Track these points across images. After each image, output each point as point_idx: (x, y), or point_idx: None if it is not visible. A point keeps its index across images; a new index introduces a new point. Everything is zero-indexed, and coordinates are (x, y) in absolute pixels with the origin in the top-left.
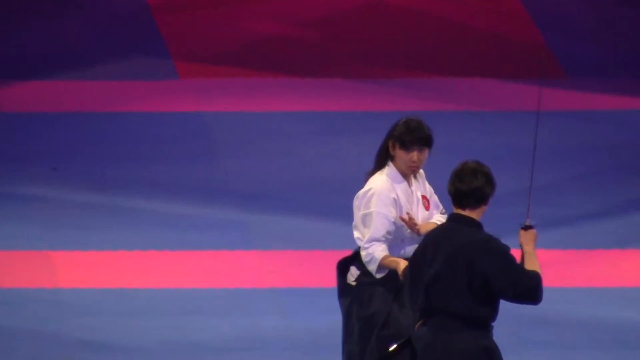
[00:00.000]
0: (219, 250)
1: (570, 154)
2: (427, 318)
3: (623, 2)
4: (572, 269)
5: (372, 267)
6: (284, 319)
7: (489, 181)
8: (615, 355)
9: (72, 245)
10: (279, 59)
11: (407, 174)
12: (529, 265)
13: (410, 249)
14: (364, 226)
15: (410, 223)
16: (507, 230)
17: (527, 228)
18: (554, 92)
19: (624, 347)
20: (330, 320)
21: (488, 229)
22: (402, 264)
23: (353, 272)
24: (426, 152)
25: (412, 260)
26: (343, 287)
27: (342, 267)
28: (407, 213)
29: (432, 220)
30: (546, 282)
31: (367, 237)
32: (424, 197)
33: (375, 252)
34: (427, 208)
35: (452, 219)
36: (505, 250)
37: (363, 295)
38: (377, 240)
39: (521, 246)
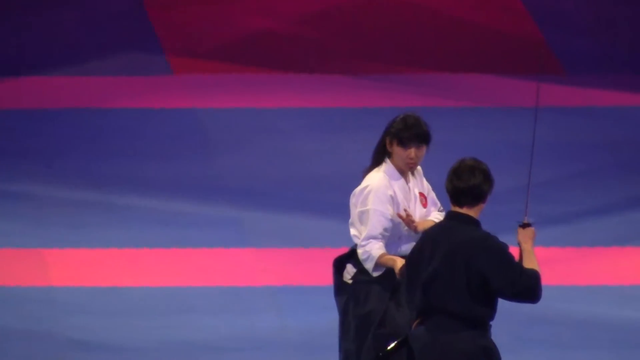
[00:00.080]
0: (214, 247)
1: (569, 151)
2: (424, 317)
3: None
4: (571, 267)
5: (368, 265)
6: (279, 317)
7: (487, 178)
8: (615, 354)
9: (65, 243)
10: (275, 55)
11: (405, 170)
12: (528, 264)
13: (407, 247)
14: (360, 224)
15: (408, 220)
16: (505, 227)
17: (525, 226)
18: (553, 88)
19: (623, 346)
20: (326, 319)
21: (486, 226)
22: (399, 263)
23: (349, 270)
24: (424, 149)
25: (410, 258)
26: (339, 285)
27: (339, 265)
28: (405, 210)
29: (430, 218)
30: (544, 280)
31: (363, 235)
32: (421, 194)
33: (372, 250)
34: (424, 205)
35: (450, 217)
36: (503, 248)
37: (359, 293)
38: (374, 238)
39: (519, 244)
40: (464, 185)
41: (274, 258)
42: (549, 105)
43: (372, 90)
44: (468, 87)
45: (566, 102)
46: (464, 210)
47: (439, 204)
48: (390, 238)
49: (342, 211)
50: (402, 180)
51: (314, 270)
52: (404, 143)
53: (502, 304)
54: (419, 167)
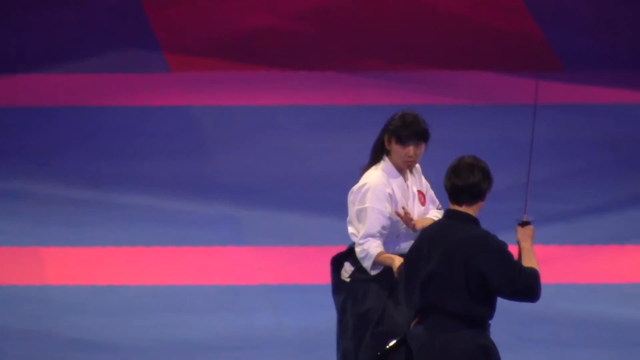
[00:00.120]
0: (211, 246)
1: (568, 148)
2: (423, 316)
3: None
4: (570, 265)
5: (366, 264)
6: (276, 316)
7: (486, 176)
8: (614, 353)
9: (62, 241)
10: (272, 52)
11: (403, 168)
12: (527, 262)
13: (405, 245)
14: (358, 222)
15: (406, 218)
16: (504, 226)
17: (524, 224)
18: (552, 85)
19: (623, 345)
20: (323, 317)
21: (485, 224)
22: (397, 261)
23: (347, 268)
24: (422, 147)
25: (408, 257)
26: (337, 283)
27: (336, 263)
28: (403, 208)
29: (428, 216)
30: (544, 279)
31: (361, 233)
32: (420, 192)
33: (370, 249)
34: (423, 203)
35: (448, 215)
36: (502, 247)
37: (357, 292)
38: (372, 236)
39: (518, 243)
40: (463, 183)
41: (271, 256)
42: (548, 103)
43: (371, 87)
44: (467, 84)
45: (565, 100)
46: (463, 209)
47: (437, 202)
48: (389, 236)
49: (340, 209)
50: (400, 178)
51: (312, 268)
52: (402, 141)
53: (501, 303)
54: (417, 165)
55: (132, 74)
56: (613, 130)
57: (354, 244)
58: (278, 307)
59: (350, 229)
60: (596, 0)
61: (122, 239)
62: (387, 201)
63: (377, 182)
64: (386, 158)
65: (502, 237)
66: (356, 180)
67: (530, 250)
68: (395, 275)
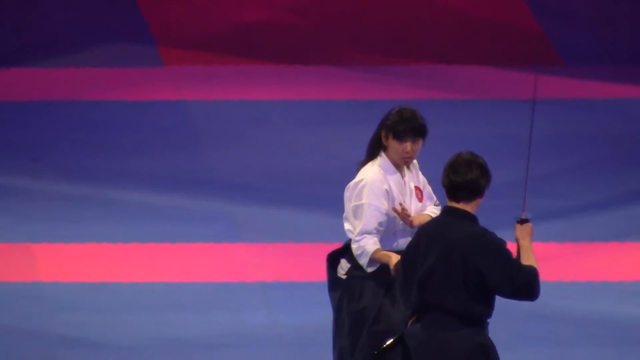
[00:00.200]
0: (205, 243)
1: (567, 144)
2: (420, 314)
3: None
4: (570, 263)
5: (363, 261)
6: (271, 313)
7: (484, 173)
8: (614, 352)
9: (54, 237)
10: (267, 46)
11: (400, 164)
12: (526, 260)
13: (403, 242)
14: (355, 218)
15: (403, 214)
16: (502, 222)
17: (523, 222)
18: (551, 80)
19: (622, 343)
20: (318, 315)
21: (483, 221)
22: (394, 259)
23: (343, 265)
24: (420, 143)
25: (405, 254)
26: (333, 280)
27: (333, 260)
28: (400, 204)
29: (426, 212)
30: (543, 277)
31: (358, 230)
32: (417, 188)
33: (366, 246)
34: (420, 199)
35: (446, 212)
36: (501, 244)
37: (354, 289)
38: (369, 233)
39: (517, 240)
40: (461, 179)
41: (266, 253)
42: (547, 98)
43: (365, 82)
44: (465, 79)
45: (564, 95)
46: (461, 206)
47: (435, 198)
48: (386, 233)
49: (335, 205)
50: (397, 174)
51: (307, 265)
52: (399, 137)
53: (499, 301)
54: (414, 161)
55: (126, 68)
56: (612, 126)
57: (350, 240)
58: (273, 304)
59: (347, 226)
60: None
61: (115, 235)
62: (384, 197)
63: (373, 178)
64: (383, 154)
65: (500, 234)
66: (353, 176)
67: (529, 248)
68: (392, 272)
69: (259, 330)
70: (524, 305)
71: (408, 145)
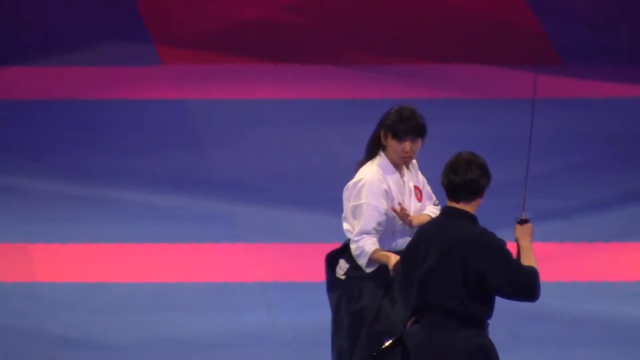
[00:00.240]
0: (203, 243)
1: (567, 143)
2: (419, 315)
3: None
4: (570, 263)
5: (362, 262)
6: (270, 314)
7: (484, 173)
8: (615, 353)
9: (51, 237)
10: (266, 45)
11: (399, 164)
12: (526, 261)
13: (401, 242)
14: (353, 218)
15: (402, 214)
16: (502, 222)
17: (523, 222)
18: (550, 79)
19: (623, 344)
20: (317, 316)
21: (483, 221)
22: (393, 259)
23: (342, 266)
24: (419, 142)
25: (405, 254)
26: (332, 280)
27: (331, 260)
28: (399, 204)
29: (425, 212)
30: (543, 277)
31: (357, 230)
32: (416, 187)
33: (365, 246)
34: (419, 199)
35: (446, 212)
36: (501, 245)
37: (352, 290)
38: (368, 233)
39: (517, 241)
40: (461, 179)
41: (265, 253)
42: (547, 97)
43: (364, 81)
44: (465, 78)
45: (564, 94)
46: (461, 206)
47: (434, 198)
48: (385, 233)
49: (334, 205)
50: (396, 174)
51: (306, 266)
52: (399, 136)
53: (499, 301)
54: (414, 161)
55: (123, 67)
56: (613, 125)
57: (349, 240)
58: (272, 304)
59: (346, 226)
60: None
61: (113, 235)
62: (383, 197)
63: (372, 177)
64: (382, 153)
65: (500, 234)
66: (351, 175)
67: (530, 248)
68: (391, 273)
69: (258, 330)
70: (524, 305)
71: (407, 145)
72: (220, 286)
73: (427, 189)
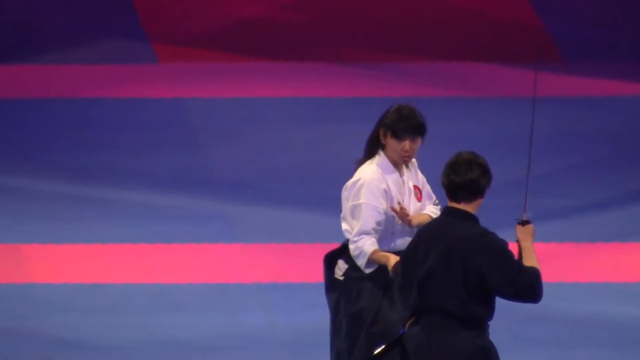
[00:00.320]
0: (200, 243)
1: (568, 142)
2: (419, 316)
3: None
4: (571, 263)
5: (361, 262)
6: (267, 315)
7: (485, 173)
8: (616, 354)
9: (45, 238)
10: (263, 42)
11: (399, 163)
12: (527, 261)
13: (400, 242)
14: (352, 218)
15: (402, 214)
16: (503, 222)
17: (524, 223)
18: (551, 77)
19: (624, 344)
20: (316, 317)
21: (484, 221)
22: (393, 259)
23: (341, 266)
24: (419, 141)
25: (405, 255)
26: (330, 281)
27: (330, 261)
28: (399, 203)
29: (425, 212)
30: (544, 277)
31: (355, 230)
32: (416, 187)
33: (364, 246)
34: (419, 199)
35: (447, 212)
36: (502, 245)
37: (351, 291)
38: (367, 233)
39: (518, 242)
40: (461, 179)
41: (262, 254)
42: (548, 95)
43: (363, 79)
44: (465, 76)
45: (565, 92)
46: (461, 206)
47: (434, 197)
48: (384, 233)
49: (333, 205)
50: (396, 173)
51: (304, 266)
52: (398, 135)
53: (499, 302)
54: (413, 160)
55: (119, 65)
56: (614, 123)
57: (347, 240)
58: (270, 305)
59: (344, 226)
60: None
61: (109, 236)
62: (382, 197)
63: (371, 177)
64: (381, 152)
65: (501, 234)
66: (350, 175)
67: (531, 249)
68: (391, 274)
69: (256, 331)
70: (525, 306)
71: (407, 144)
72: (217, 287)
73: (426, 188)
